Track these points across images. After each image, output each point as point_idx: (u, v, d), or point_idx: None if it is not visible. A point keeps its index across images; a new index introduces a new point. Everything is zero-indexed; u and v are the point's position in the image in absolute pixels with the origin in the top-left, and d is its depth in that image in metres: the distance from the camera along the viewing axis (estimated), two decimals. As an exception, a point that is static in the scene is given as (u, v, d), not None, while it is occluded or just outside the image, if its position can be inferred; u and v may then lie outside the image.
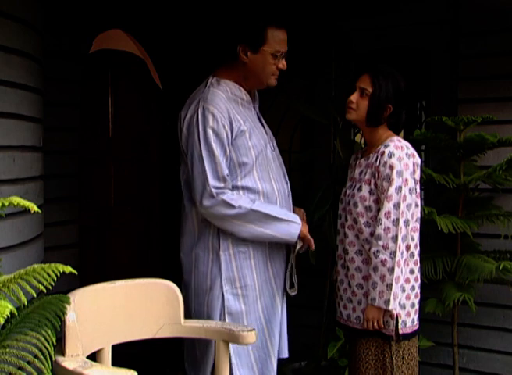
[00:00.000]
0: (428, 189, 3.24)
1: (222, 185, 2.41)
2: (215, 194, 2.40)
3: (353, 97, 2.50)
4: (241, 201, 2.43)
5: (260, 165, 2.50)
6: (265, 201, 2.51)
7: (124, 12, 3.82)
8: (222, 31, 3.11)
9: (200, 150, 2.41)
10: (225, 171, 2.42)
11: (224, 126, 2.41)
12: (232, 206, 2.41)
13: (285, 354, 2.70)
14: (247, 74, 2.53)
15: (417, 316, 2.47)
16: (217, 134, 2.41)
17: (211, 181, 2.40)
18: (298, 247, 2.56)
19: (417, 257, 2.46)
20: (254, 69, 2.51)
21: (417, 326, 2.49)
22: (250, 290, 2.51)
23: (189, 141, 2.45)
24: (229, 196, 2.42)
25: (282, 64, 2.52)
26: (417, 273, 2.47)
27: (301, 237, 2.55)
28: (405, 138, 2.54)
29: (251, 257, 2.51)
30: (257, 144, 2.50)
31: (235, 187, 2.47)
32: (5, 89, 2.25)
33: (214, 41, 3.71)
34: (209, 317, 2.49)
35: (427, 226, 2.64)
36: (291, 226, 2.50)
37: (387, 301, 2.33)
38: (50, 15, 2.94)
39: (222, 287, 2.49)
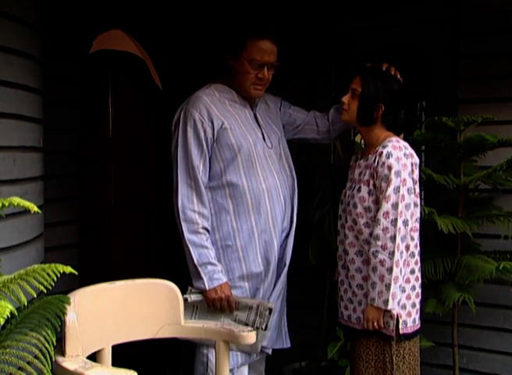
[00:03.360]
0: (428, 189, 3.24)
1: (192, 184, 2.49)
2: (179, 195, 2.49)
3: (345, 98, 2.52)
4: (188, 223, 2.48)
5: (246, 161, 2.55)
6: (250, 196, 2.54)
7: (124, 12, 3.81)
8: (214, 41, 3.19)
9: (178, 149, 2.52)
10: (197, 164, 2.49)
11: (203, 126, 2.50)
12: (179, 217, 2.49)
13: (287, 344, 2.77)
14: (234, 81, 2.62)
15: (418, 315, 2.47)
16: (193, 134, 2.50)
17: (182, 176, 2.50)
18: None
19: (417, 257, 2.46)
20: (236, 76, 2.60)
21: (419, 325, 2.48)
22: (238, 282, 2.56)
23: (172, 141, 2.58)
24: (189, 212, 2.47)
25: (263, 74, 2.57)
26: (418, 273, 2.47)
27: (206, 298, 2.51)
28: (405, 139, 2.54)
29: (238, 250, 2.55)
30: (242, 141, 2.55)
31: (219, 183, 2.52)
32: (5, 89, 2.25)
33: (209, 48, 3.77)
34: None
35: (427, 227, 2.63)
36: (199, 281, 2.50)
37: (386, 301, 2.33)
38: (50, 15, 2.94)
39: None
